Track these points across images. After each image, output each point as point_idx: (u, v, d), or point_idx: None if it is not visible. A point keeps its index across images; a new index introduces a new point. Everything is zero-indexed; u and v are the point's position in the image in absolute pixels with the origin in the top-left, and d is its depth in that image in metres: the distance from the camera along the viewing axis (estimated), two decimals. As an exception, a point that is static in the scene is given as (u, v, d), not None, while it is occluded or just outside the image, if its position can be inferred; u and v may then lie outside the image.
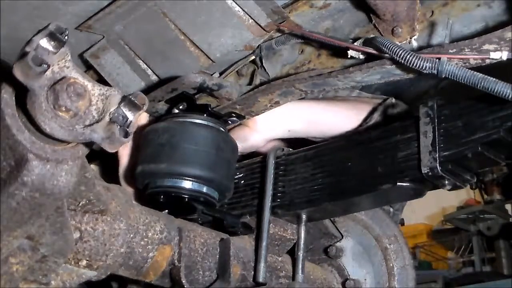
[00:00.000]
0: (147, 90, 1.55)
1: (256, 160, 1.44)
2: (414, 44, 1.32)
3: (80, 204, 0.99)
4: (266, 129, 1.43)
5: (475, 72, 0.97)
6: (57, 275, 0.97)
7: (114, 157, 1.51)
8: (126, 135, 0.82)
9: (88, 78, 0.82)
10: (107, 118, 0.82)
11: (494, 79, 0.95)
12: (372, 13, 1.36)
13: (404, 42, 1.32)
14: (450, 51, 1.04)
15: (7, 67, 0.79)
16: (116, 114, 0.82)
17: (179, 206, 1.24)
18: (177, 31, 1.49)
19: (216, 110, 1.35)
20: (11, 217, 0.84)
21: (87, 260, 1.02)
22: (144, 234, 1.11)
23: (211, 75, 1.47)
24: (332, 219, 1.46)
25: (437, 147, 1.11)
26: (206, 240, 1.22)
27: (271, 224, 1.31)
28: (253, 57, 1.59)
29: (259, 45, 1.53)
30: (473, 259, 8.81)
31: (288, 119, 1.43)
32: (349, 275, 1.44)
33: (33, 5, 1.46)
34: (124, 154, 1.48)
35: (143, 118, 1.45)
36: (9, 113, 0.81)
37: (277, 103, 1.33)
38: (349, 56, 1.27)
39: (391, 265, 1.39)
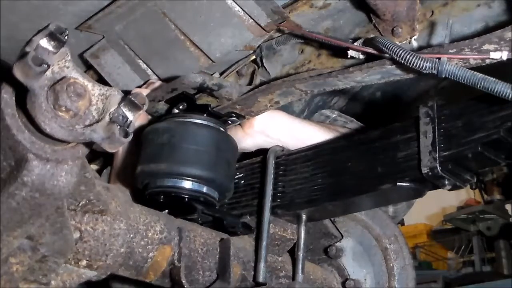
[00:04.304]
0: (147, 90, 1.55)
1: (256, 160, 1.44)
2: (414, 44, 1.32)
3: (80, 204, 0.99)
4: (259, 136, 1.43)
5: (475, 72, 0.97)
6: (57, 275, 0.97)
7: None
8: (126, 135, 0.82)
9: (88, 78, 0.82)
10: (107, 118, 0.82)
11: (494, 79, 0.95)
12: (372, 13, 1.36)
13: (404, 42, 1.32)
14: (450, 51, 1.04)
15: (7, 67, 0.79)
16: (116, 114, 0.82)
17: (179, 206, 1.23)
18: (177, 31, 1.49)
19: (216, 110, 1.35)
20: (11, 217, 0.84)
21: (87, 260, 1.02)
22: (144, 234, 1.11)
23: (211, 75, 1.47)
24: (332, 219, 1.46)
25: (437, 147, 1.11)
26: (206, 240, 1.22)
27: (271, 224, 1.31)
28: (253, 57, 1.60)
29: (259, 45, 1.54)
30: (473, 259, 8.82)
31: (282, 132, 1.43)
32: (349, 275, 1.44)
33: (33, 5, 1.46)
34: (119, 153, 1.48)
35: (142, 117, 1.45)
36: (9, 113, 0.81)
37: (277, 103, 1.33)
38: (349, 56, 1.27)
39: (391, 265, 1.39)
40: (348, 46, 1.26)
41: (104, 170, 1.66)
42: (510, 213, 8.71)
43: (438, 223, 9.78)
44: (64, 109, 0.78)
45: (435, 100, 1.17)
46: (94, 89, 0.82)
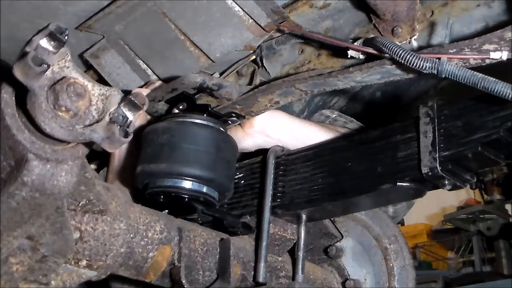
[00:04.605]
0: (147, 90, 1.55)
1: (256, 160, 1.44)
2: (414, 44, 1.32)
3: (80, 204, 0.99)
4: (259, 136, 1.43)
5: (475, 72, 0.97)
6: (57, 275, 0.97)
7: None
8: (126, 135, 0.82)
9: (88, 78, 0.82)
10: (107, 118, 0.82)
11: (494, 79, 0.95)
12: (372, 13, 1.36)
13: (404, 42, 1.32)
14: (450, 51, 1.04)
15: (7, 67, 0.79)
16: (116, 114, 0.82)
17: (179, 206, 1.23)
18: (177, 31, 1.49)
19: (216, 110, 1.35)
20: (11, 217, 0.84)
21: (87, 260, 1.02)
22: (144, 234, 1.11)
23: (211, 75, 1.47)
24: (332, 219, 1.46)
25: (437, 147, 1.11)
26: (206, 240, 1.22)
27: (271, 224, 1.31)
28: (253, 57, 1.59)
29: (259, 45, 1.54)
30: (473, 259, 8.82)
31: (282, 132, 1.43)
32: (349, 275, 1.44)
33: (33, 5, 1.46)
34: (117, 153, 1.48)
35: (142, 117, 1.45)
36: (9, 113, 0.81)
37: (277, 103, 1.33)
38: (349, 56, 1.26)
39: (391, 265, 1.39)
40: (348, 46, 1.26)
41: (100, 171, 1.66)
42: (510, 213, 8.71)
43: (438, 223, 9.78)
44: (64, 109, 0.78)
45: (435, 100, 1.16)
46: (94, 89, 0.82)
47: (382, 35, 1.36)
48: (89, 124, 0.81)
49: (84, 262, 1.02)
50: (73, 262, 1.01)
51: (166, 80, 1.50)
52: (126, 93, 0.85)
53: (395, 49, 1.06)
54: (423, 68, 1.02)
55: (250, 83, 1.59)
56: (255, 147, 1.46)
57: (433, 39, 1.29)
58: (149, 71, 1.63)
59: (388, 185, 1.18)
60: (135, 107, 0.83)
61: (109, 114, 0.82)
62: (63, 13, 1.49)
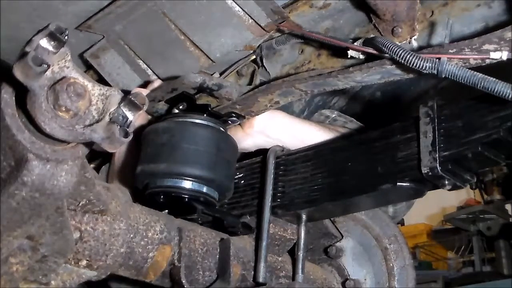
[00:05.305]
0: (147, 90, 1.55)
1: (256, 160, 1.44)
2: (414, 44, 1.32)
3: (80, 204, 0.99)
4: (259, 136, 1.43)
5: (475, 72, 0.97)
6: (57, 275, 0.97)
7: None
8: (126, 135, 0.82)
9: (88, 78, 0.82)
10: (107, 118, 0.82)
11: (494, 79, 0.95)
12: (372, 13, 1.36)
13: (404, 42, 1.32)
14: (450, 51, 1.04)
15: (7, 67, 0.79)
16: (116, 114, 0.82)
17: (179, 206, 1.23)
18: (177, 31, 1.49)
19: (216, 110, 1.35)
20: (11, 217, 0.84)
21: (87, 260, 1.02)
22: (144, 234, 1.11)
23: (211, 75, 1.47)
24: (332, 219, 1.46)
25: (437, 147, 1.11)
26: (206, 240, 1.22)
27: (271, 224, 1.31)
28: (253, 57, 1.60)
29: (259, 45, 1.54)
30: (473, 259, 8.80)
31: (282, 132, 1.43)
32: (349, 275, 1.44)
33: (33, 5, 1.46)
34: (118, 153, 1.48)
35: (142, 118, 1.45)
36: (9, 113, 0.81)
37: (277, 103, 1.33)
38: (349, 56, 1.27)
39: (391, 265, 1.39)
40: (348, 46, 1.26)
41: (103, 167, 1.66)
42: (510, 213, 8.70)
43: (438, 223, 9.77)
44: (64, 109, 0.78)
45: (435, 100, 1.17)
46: (94, 89, 0.82)
47: (382, 35, 1.36)
48: (89, 124, 0.81)
49: (84, 262, 1.02)
50: (73, 262, 1.01)
51: (166, 80, 1.50)
52: (126, 93, 0.85)
53: (395, 49, 1.06)
54: (423, 68, 1.02)
55: (250, 83, 1.59)
56: (255, 147, 1.46)
57: (433, 39, 1.29)
58: (149, 71, 1.63)
59: (388, 185, 1.18)
60: (135, 107, 0.83)
61: (109, 114, 0.82)
62: (63, 13, 1.49)
